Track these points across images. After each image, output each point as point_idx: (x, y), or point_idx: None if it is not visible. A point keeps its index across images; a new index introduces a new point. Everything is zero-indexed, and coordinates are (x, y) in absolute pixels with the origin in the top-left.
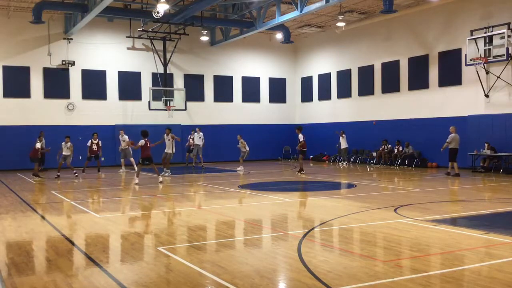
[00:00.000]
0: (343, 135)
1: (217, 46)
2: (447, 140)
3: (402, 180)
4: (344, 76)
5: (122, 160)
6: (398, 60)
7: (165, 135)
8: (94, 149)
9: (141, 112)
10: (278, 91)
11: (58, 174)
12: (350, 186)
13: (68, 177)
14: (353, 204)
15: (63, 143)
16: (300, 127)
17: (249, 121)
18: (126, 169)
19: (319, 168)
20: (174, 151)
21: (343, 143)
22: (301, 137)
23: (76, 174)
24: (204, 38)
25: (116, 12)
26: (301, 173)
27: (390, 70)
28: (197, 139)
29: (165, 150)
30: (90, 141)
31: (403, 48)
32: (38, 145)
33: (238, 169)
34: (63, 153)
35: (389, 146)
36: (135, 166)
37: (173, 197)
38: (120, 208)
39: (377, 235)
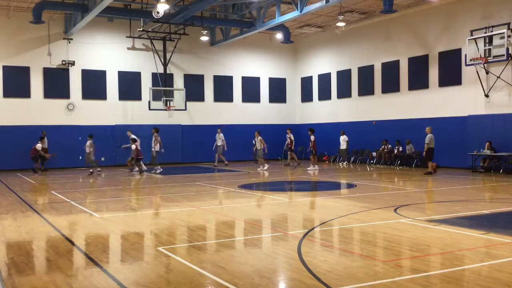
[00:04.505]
0: (343, 135)
1: (217, 46)
2: (427, 142)
3: (402, 180)
4: (344, 76)
5: (217, 156)
6: (398, 60)
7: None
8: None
9: (141, 112)
10: (278, 91)
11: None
12: (350, 186)
13: (68, 176)
14: (353, 204)
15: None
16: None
17: (249, 121)
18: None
19: (319, 168)
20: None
21: (343, 144)
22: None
23: (159, 171)
24: (204, 38)
25: (116, 12)
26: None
27: (390, 70)
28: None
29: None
30: (38, 143)
31: (403, 48)
32: (38, 145)
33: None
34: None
35: (389, 146)
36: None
37: (173, 197)
38: (120, 208)
39: (377, 235)
